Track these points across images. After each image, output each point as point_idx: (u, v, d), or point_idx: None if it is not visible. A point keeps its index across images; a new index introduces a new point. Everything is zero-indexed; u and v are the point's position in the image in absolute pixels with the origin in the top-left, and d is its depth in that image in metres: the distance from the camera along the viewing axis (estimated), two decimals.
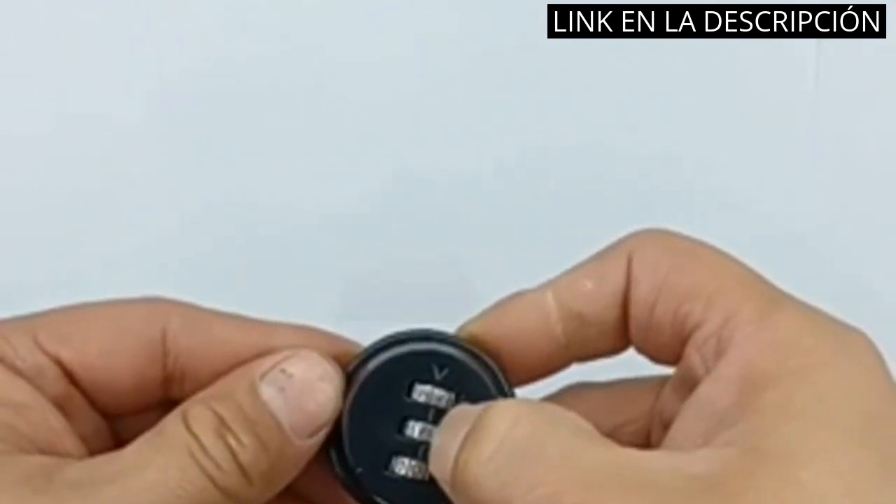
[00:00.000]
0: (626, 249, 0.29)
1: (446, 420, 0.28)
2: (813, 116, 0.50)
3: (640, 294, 0.28)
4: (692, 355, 0.27)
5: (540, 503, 0.23)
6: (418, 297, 0.49)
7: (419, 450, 0.29)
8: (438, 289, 0.49)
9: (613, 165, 0.50)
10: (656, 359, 0.29)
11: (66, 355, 0.28)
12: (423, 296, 0.49)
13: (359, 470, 0.29)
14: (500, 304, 0.30)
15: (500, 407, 0.26)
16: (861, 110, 0.50)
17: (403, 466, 0.29)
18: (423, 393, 0.29)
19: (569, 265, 0.30)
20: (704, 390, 0.26)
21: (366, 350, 0.30)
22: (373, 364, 0.29)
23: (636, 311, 0.28)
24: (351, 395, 0.29)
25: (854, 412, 0.24)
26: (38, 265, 0.47)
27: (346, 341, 0.30)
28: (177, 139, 0.49)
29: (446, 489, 0.27)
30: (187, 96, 0.49)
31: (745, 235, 0.50)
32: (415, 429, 0.29)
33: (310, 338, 0.29)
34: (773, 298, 0.27)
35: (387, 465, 0.29)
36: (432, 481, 0.28)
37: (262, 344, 0.29)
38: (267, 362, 0.28)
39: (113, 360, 0.28)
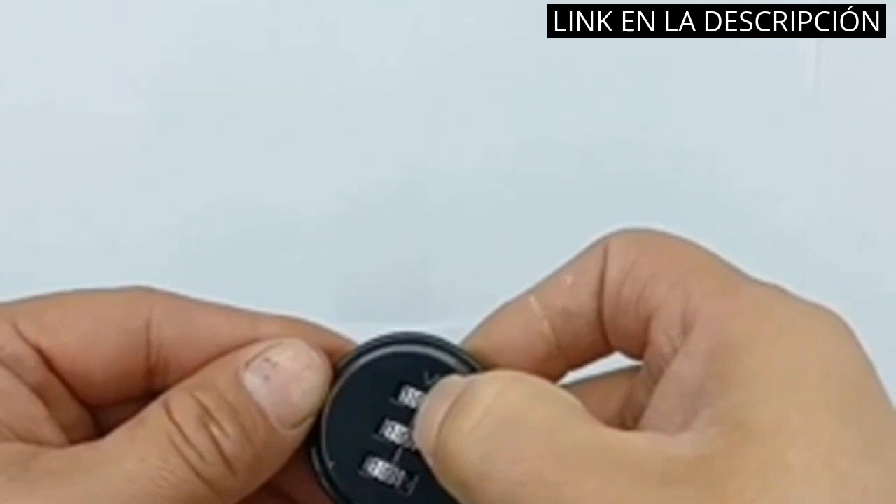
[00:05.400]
0: (603, 244, 0.29)
1: (435, 389, 0.27)
2: (813, 116, 0.50)
3: (610, 278, 0.28)
4: (658, 336, 0.26)
5: (519, 479, 0.23)
6: (417, 298, 0.49)
7: (395, 453, 0.28)
8: (438, 290, 0.49)
9: (613, 165, 0.50)
10: (628, 351, 0.29)
11: (46, 343, 0.28)
12: (423, 297, 0.49)
13: (331, 464, 0.28)
14: (487, 319, 0.30)
15: (488, 377, 0.25)
16: (861, 110, 0.50)
17: (376, 468, 0.28)
18: (408, 396, 0.28)
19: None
20: (677, 367, 0.25)
21: (359, 347, 0.29)
22: (363, 360, 0.29)
23: (607, 295, 0.28)
24: (336, 389, 0.28)
25: (833, 383, 0.23)
26: (37, 264, 0.47)
27: (334, 334, 0.30)
28: (172, 139, 0.49)
29: (428, 459, 0.26)
30: (184, 96, 0.49)
31: (743, 234, 0.50)
32: (393, 431, 0.28)
33: (297, 329, 0.29)
34: (736, 276, 0.27)
35: (360, 464, 0.28)
36: (403, 488, 0.28)
37: (248, 334, 0.28)
38: (251, 351, 0.27)
39: (93, 349, 0.28)
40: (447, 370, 0.28)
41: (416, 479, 0.28)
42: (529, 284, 0.30)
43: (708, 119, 0.50)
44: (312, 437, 0.28)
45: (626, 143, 0.50)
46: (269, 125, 0.49)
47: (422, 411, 0.27)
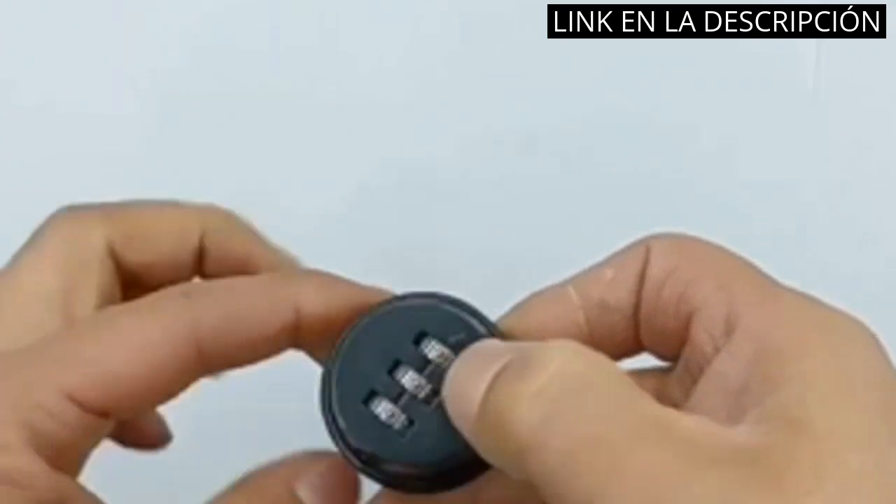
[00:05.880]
0: (644, 244, 0.29)
1: (471, 351, 0.27)
2: (813, 116, 0.50)
3: (651, 276, 0.28)
4: (700, 335, 0.27)
5: (583, 442, 0.23)
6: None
7: (401, 397, 0.28)
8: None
9: (613, 165, 0.50)
10: (658, 350, 0.29)
11: (106, 404, 0.27)
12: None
13: (337, 393, 0.28)
14: (523, 301, 0.30)
15: (554, 343, 0.25)
16: (861, 110, 0.50)
17: (380, 407, 0.28)
18: (429, 346, 0.28)
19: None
20: (720, 366, 0.26)
21: (396, 296, 0.29)
22: (396, 304, 0.29)
23: (646, 293, 0.28)
24: (360, 325, 0.28)
25: (876, 388, 0.24)
26: None
27: (372, 289, 0.30)
28: (172, 139, 0.49)
29: (460, 421, 0.26)
30: (184, 96, 0.49)
31: (743, 234, 0.50)
32: (405, 375, 0.28)
33: (334, 288, 0.29)
34: (773, 284, 0.27)
35: (366, 400, 0.28)
36: (401, 433, 0.28)
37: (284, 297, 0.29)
38: None
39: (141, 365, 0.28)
40: (472, 333, 0.28)
41: (415, 427, 0.28)
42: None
43: (708, 119, 0.50)
44: (330, 364, 0.28)
45: (625, 143, 0.50)
46: (269, 125, 0.49)
47: (457, 372, 0.27)
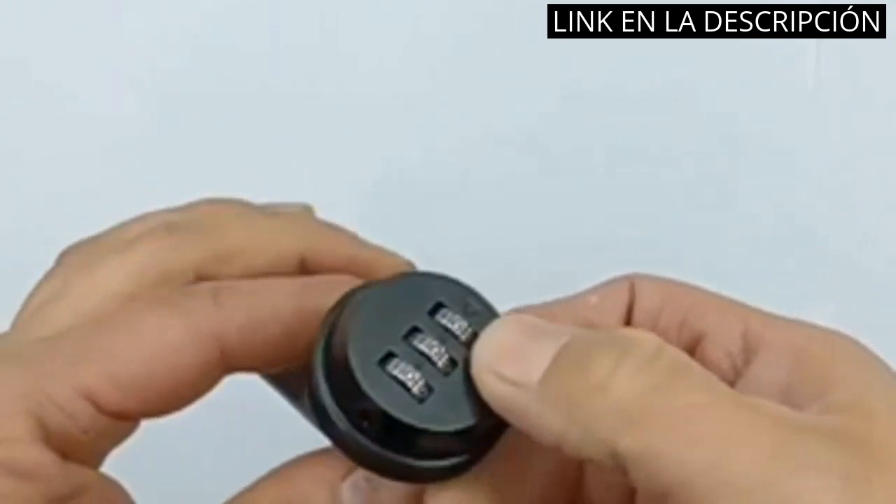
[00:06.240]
0: (627, 280, 0.30)
1: (510, 321, 0.27)
2: (813, 116, 0.51)
3: (645, 305, 0.29)
4: (715, 354, 0.28)
5: (694, 410, 0.23)
6: None
7: (419, 363, 0.27)
8: None
9: (613, 165, 0.50)
10: None
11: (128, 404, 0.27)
12: None
13: (352, 355, 0.27)
14: (509, 311, 0.30)
15: (643, 331, 0.26)
16: (861, 110, 0.50)
17: (397, 368, 0.27)
18: (447, 317, 0.28)
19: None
20: (757, 373, 0.27)
21: (405, 272, 0.29)
22: (405, 277, 0.29)
23: (641, 319, 0.29)
24: (371, 291, 0.28)
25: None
26: (37, 265, 0.47)
27: None
28: (172, 139, 0.49)
29: (504, 390, 0.26)
30: (184, 96, 0.49)
31: (743, 234, 0.50)
32: (423, 342, 0.27)
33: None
34: (769, 312, 0.29)
35: (382, 361, 0.27)
36: (419, 399, 0.27)
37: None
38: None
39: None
40: (488, 311, 0.28)
41: (435, 394, 0.27)
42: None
43: (708, 119, 0.50)
44: (330, 328, 0.28)
45: (625, 143, 0.50)
46: (270, 125, 0.49)
47: (501, 340, 0.27)
